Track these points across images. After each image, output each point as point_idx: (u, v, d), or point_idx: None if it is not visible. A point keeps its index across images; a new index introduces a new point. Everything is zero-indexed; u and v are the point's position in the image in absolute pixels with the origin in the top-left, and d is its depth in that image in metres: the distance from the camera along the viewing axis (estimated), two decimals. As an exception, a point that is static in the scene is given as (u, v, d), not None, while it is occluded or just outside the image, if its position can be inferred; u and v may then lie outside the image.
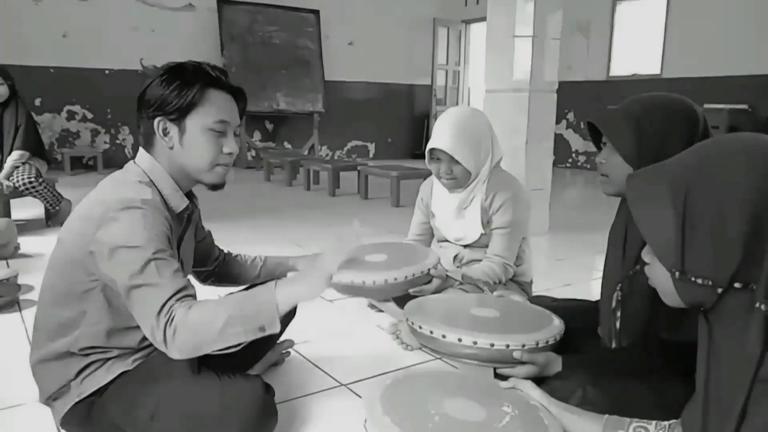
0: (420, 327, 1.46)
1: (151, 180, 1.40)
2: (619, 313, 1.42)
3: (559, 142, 8.18)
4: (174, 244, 1.40)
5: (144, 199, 1.31)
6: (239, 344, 1.23)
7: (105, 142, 7.81)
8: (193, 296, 1.27)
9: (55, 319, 1.38)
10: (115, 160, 7.47)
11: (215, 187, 1.46)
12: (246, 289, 1.67)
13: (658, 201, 0.89)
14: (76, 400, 1.37)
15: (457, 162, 2.07)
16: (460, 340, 1.38)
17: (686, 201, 0.86)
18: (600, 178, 1.42)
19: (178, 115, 1.36)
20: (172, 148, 1.39)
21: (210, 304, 1.24)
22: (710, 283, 0.85)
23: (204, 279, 1.81)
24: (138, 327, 1.37)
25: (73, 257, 1.33)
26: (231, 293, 1.31)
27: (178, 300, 1.22)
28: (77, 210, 1.38)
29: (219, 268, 1.80)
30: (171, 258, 1.28)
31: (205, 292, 1.65)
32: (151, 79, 1.38)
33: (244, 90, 1.51)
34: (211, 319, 1.20)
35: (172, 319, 1.19)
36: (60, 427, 1.46)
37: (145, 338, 1.41)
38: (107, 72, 7.64)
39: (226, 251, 1.82)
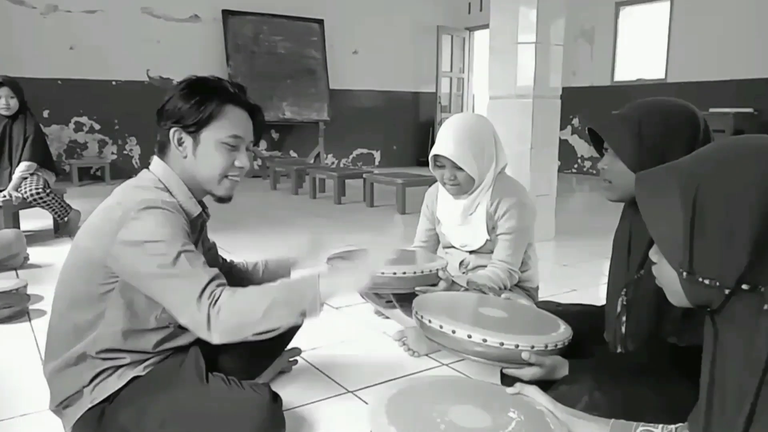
0: (430, 321, 1.47)
1: (165, 186, 1.44)
2: (624, 318, 1.43)
3: (565, 147, 8.17)
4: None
5: (164, 201, 1.36)
6: (278, 328, 1.28)
7: (112, 153, 7.85)
8: (226, 284, 1.31)
9: (72, 323, 1.40)
10: (122, 171, 7.52)
11: (222, 199, 1.51)
12: None
13: (667, 200, 0.89)
14: (89, 406, 1.39)
15: (461, 168, 2.08)
16: (469, 336, 1.39)
17: (696, 201, 0.86)
18: (603, 184, 1.42)
19: (195, 129, 1.41)
20: (185, 157, 1.44)
21: (254, 288, 1.30)
22: (718, 284, 0.85)
23: None
24: (154, 329, 1.42)
25: (92, 258, 1.36)
26: (276, 282, 1.35)
27: (217, 285, 1.27)
28: (95, 215, 1.42)
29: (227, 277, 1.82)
30: (197, 251, 1.33)
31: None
32: (172, 93, 1.43)
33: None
34: (256, 301, 1.26)
35: (216, 301, 1.23)
36: (70, 435, 1.48)
37: (160, 342, 1.44)
38: (114, 83, 7.69)
39: (228, 260, 1.84)
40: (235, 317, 1.24)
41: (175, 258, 1.27)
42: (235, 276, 1.83)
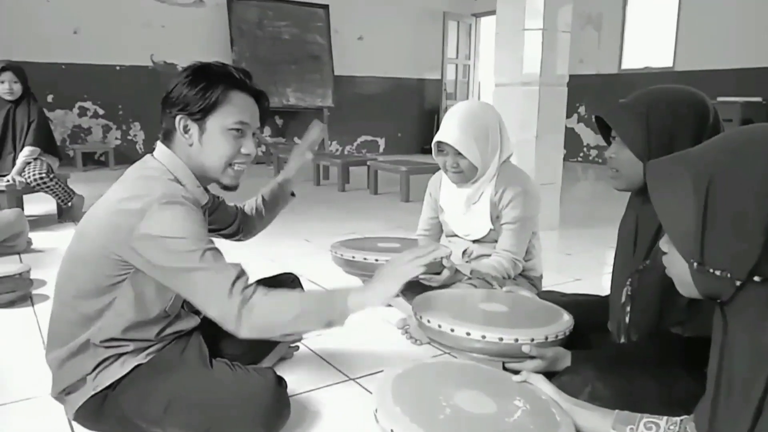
0: (428, 321, 1.46)
1: (175, 177, 1.42)
2: (628, 308, 1.42)
3: (570, 136, 8.11)
4: None
5: (184, 196, 1.36)
6: (303, 332, 1.39)
7: (116, 138, 7.84)
8: (250, 281, 1.34)
9: (78, 312, 1.40)
10: (126, 156, 7.51)
11: (228, 188, 1.50)
12: None
13: (679, 190, 0.87)
14: (92, 393, 1.39)
15: (464, 156, 2.06)
16: (468, 334, 1.38)
17: (708, 191, 0.84)
18: (610, 172, 1.41)
19: (201, 116, 1.40)
20: (191, 145, 1.42)
21: (287, 293, 1.37)
22: (729, 275, 0.84)
23: (232, 237, 1.87)
24: (158, 319, 1.42)
25: (104, 250, 1.35)
26: (309, 291, 1.40)
27: (246, 282, 1.31)
28: (104, 207, 1.39)
29: (241, 223, 1.86)
30: (219, 250, 1.35)
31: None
32: (177, 80, 1.42)
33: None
34: (287, 306, 1.31)
35: (249, 299, 1.27)
36: (72, 421, 1.48)
37: (162, 330, 1.43)
38: (118, 68, 7.67)
39: (238, 206, 1.87)
40: (267, 318, 1.29)
41: (201, 254, 1.29)
42: (249, 219, 1.88)
